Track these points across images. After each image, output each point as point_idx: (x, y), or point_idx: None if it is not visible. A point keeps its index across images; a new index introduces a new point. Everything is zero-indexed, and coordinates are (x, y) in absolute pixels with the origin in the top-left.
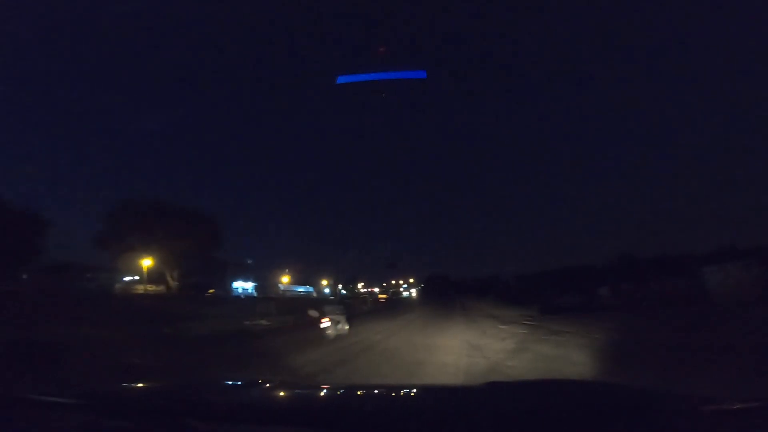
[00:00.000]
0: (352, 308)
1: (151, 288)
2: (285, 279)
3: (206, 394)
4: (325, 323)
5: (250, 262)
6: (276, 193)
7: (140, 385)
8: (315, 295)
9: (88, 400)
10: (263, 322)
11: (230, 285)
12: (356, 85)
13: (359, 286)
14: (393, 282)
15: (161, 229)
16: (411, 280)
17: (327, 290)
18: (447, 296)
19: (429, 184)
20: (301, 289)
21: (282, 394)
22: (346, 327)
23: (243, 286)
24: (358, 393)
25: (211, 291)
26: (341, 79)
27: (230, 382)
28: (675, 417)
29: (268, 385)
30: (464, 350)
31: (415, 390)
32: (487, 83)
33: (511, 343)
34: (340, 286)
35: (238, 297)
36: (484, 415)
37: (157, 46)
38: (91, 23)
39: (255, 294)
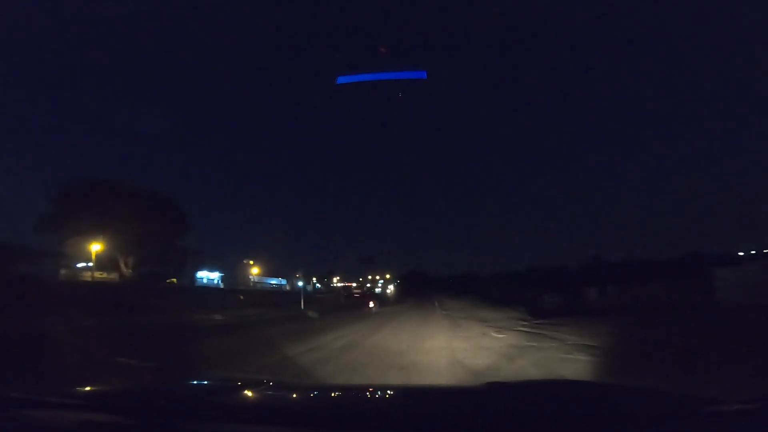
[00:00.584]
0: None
1: (100, 275)
2: (255, 270)
3: (201, 394)
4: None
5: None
6: (251, 183)
7: (135, 385)
8: (288, 288)
9: (84, 399)
10: (217, 317)
11: (194, 275)
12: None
13: (335, 280)
14: (369, 277)
15: (115, 212)
16: (387, 276)
17: (300, 283)
18: (425, 294)
19: (409, 182)
20: (273, 281)
21: (279, 394)
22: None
23: (209, 276)
24: (355, 393)
25: (171, 280)
26: (341, 80)
27: (225, 382)
28: (674, 418)
29: (264, 385)
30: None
31: (413, 391)
32: (480, 86)
33: (527, 366)
34: (314, 279)
35: (201, 288)
36: (483, 415)
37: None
38: None
39: (221, 285)
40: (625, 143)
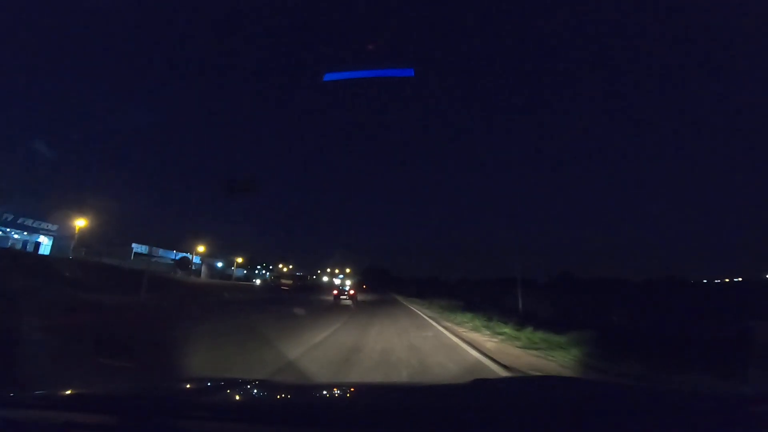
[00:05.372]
0: None
1: None
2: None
3: (193, 394)
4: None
5: None
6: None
7: (127, 385)
8: (204, 270)
9: (75, 400)
10: None
11: None
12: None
13: (284, 268)
14: (328, 270)
15: None
16: (348, 270)
17: (220, 264)
18: (387, 294)
19: (385, 180)
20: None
21: (269, 392)
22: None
23: None
24: (346, 391)
25: None
26: (329, 77)
27: (217, 382)
28: (659, 412)
29: (255, 383)
30: None
31: (402, 388)
32: (465, 86)
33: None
34: (239, 260)
35: None
36: (471, 411)
37: None
38: None
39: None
40: (612, 152)
